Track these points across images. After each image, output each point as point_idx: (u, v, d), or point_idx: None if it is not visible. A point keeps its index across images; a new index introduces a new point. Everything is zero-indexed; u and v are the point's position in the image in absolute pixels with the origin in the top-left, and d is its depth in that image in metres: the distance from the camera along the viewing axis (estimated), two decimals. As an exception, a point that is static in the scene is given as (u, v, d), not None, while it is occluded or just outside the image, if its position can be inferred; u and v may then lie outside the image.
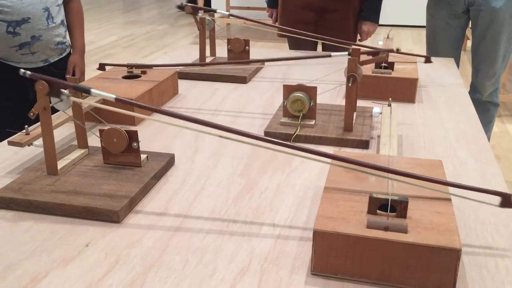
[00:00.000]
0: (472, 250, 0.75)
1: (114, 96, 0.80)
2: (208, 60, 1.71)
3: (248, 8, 6.25)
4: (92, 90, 0.78)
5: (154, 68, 1.44)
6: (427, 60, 1.63)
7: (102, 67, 1.41)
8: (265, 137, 0.79)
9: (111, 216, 0.81)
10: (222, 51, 1.76)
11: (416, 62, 1.54)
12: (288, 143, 0.78)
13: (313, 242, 0.68)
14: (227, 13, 1.68)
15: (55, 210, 0.83)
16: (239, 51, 1.65)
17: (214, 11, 1.63)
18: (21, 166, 1.00)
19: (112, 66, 1.45)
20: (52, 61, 1.65)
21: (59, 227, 0.80)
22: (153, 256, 0.73)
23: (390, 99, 1.18)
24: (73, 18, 1.77)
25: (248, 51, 1.66)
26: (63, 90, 0.93)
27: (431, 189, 0.75)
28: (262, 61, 1.50)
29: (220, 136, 0.78)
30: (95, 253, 0.74)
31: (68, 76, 0.96)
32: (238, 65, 1.64)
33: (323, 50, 2.26)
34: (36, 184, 0.89)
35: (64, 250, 0.75)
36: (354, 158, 0.78)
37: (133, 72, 1.40)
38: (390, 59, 1.47)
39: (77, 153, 0.99)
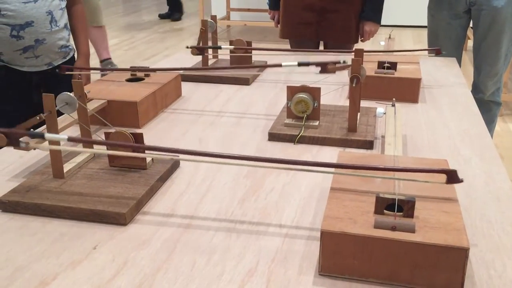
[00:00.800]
0: (479, 249, 0.75)
1: (66, 137, 0.81)
2: (210, 62, 1.71)
3: (248, 9, 6.25)
4: (46, 135, 0.80)
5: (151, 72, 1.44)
6: (437, 52, 1.59)
7: (63, 69, 1.43)
8: (262, 157, 0.79)
9: (118, 219, 0.82)
10: (224, 52, 1.76)
11: (418, 62, 1.54)
12: (292, 159, 0.78)
13: (320, 243, 0.68)
14: (231, 47, 1.62)
15: (62, 213, 0.84)
16: (241, 53, 1.66)
17: (220, 47, 1.61)
18: (27, 170, 1.01)
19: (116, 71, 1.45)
20: (55, 64, 1.66)
21: (66, 230, 0.80)
22: (161, 258, 0.73)
23: (394, 99, 1.18)
24: (76, 23, 1.77)
25: (251, 52, 1.66)
26: (68, 93, 0.94)
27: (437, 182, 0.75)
28: (260, 67, 1.49)
29: (216, 163, 0.79)
30: (103, 255, 0.74)
31: (74, 80, 0.96)
32: (240, 69, 1.64)
33: (324, 50, 2.26)
34: (43, 187, 0.89)
35: (72, 252, 0.75)
36: (359, 164, 0.78)
37: (137, 75, 1.40)
38: (394, 59, 1.47)
39: (83, 156, 1.00)
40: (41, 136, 0.81)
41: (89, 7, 3.52)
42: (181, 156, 0.83)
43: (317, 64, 1.25)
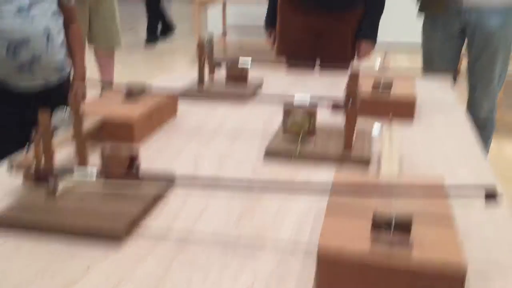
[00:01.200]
0: (477, 267, 0.74)
1: (95, 171, 0.86)
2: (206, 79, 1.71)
3: (244, 26, 6.29)
4: (76, 169, 0.85)
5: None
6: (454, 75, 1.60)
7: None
8: (257, 181, 0.79)
9: (113, 236, 0.81)
10: (219, 71, 1.76)
11: (414, 82, 1.55)
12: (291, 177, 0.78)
13: (316, 264, 0.67)
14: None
15: (56, 231, 0.83)
16: (237, 73, 1.66)
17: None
18: (20, 187, 1.00)
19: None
20: (51, 82, 1.66)
21: (60, 249, 0.79)
22: (157, 277, 0.72)
23: (390, 114, 1.18)
24: (73, 43, 1.78)
25: (247, 71, 1.67)
26: (63, 110, 0.94)
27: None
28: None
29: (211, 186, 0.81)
30: (98, 273, 0.73)
31: (70, 96, 0.96)
32: (237, 87, 1.65)
33: (320, 69, 2.27)
34: (36, 205, 0.88)
35: (66, 272, 0.74)
36: (356, 187, 0.78)
37: (132, 93, 1.40)
38: (389, 78, 1.48)
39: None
40: (70, 172, 0.82)
41: (104, 29, 3.43)
42: (176, 181, 0.84)
43: (329, 104, 1.26)
